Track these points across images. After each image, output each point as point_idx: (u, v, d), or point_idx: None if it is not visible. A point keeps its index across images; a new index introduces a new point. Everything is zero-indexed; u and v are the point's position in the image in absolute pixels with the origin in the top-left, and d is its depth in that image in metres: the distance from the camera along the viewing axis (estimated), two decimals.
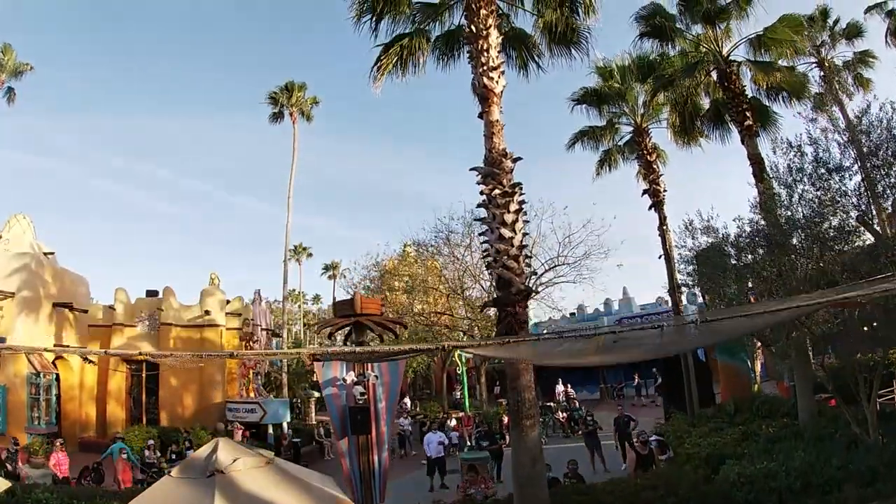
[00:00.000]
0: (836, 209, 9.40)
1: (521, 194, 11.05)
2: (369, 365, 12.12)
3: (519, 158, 11.06)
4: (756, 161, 14.81)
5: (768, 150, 16.64)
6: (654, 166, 18.81)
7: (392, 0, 13.03)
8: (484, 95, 11.64)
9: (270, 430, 19.95)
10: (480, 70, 11.81)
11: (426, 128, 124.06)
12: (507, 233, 10.22)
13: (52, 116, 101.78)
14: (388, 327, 11.15)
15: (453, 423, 21.55)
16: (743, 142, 15.13)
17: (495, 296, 10.33)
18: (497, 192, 10.46)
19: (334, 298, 54.03)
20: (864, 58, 22.90)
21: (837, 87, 20.70)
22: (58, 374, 20.20)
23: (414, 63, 13.41)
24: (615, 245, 28.81)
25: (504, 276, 10.06)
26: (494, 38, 12.27)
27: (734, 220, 12.95)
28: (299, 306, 55.46)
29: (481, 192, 11.19)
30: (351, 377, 10.50)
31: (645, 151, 18.91)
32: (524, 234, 10.52)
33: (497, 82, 11.69)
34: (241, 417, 20.19)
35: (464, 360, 24.89)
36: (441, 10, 13.89)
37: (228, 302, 23.53)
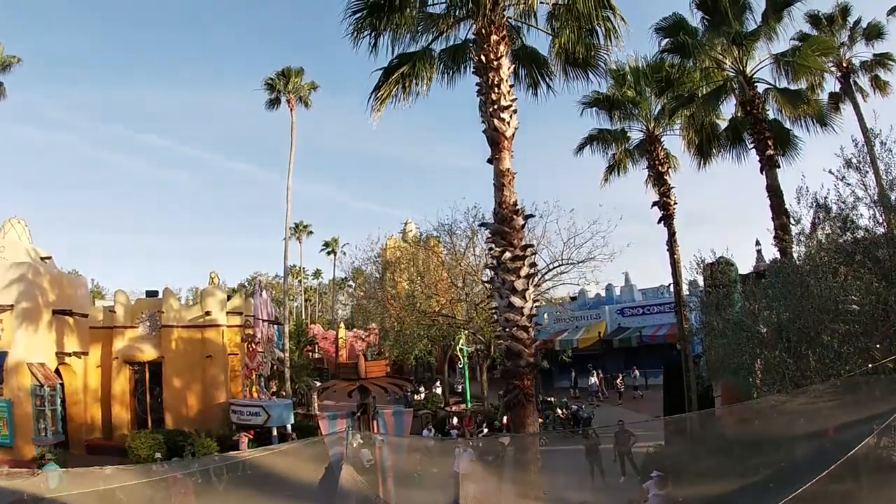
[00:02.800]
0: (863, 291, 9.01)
1: (532, 254, 10.63)
2: (375, 423, 12.10)
3: (531, 216, 10.58)
4: (775, 193, 14.26)
5: (789, 178, 16.19)
6: (666, 177, 18.13)
7: (392, 18, 12.07)
8: (494, 139, 10.98)
9: (274, 433, 20.23)
10: (490, 109, 11.10)
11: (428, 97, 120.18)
12: (517, 301, 9.87)
13: (47, 87, 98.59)
14: (392, 386, 11.03)
15: (455, 420, 21.95)
16: (762, 171, 14.49)
17: (504, 366, 10.10)
18: (508, 255, 10.03)
19: (334, 275, 54.66)
20: (883, 60, 21.92)
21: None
22: (62, 381, 20.23)
23: (417, 89, 12.57)
24: (620, 246, 28.74)
25: (513, 348, 9.80)
26: (506, 69, 11.48)
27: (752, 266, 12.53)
28: (300, 282, 55.66)
29: (490, 251, 10.75)
30: (357, 440, 10.44)
31: (656, 161, 18.17)
32: (535, 302, 10.18)
33: (509, 124, 11.02)
34: (245, 420, 20.39)
35: (465, 352, 25.02)
36: (446, 28, 12.92)
37: (229, 298, 23.35)
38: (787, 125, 15.32)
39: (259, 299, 24.32)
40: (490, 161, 10.96)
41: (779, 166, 14.44)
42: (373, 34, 12.16)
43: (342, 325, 38.50)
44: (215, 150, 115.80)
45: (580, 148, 19.39)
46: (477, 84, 11.63)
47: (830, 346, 8.64)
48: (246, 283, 48.46)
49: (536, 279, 22.60)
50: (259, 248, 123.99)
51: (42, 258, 21.21)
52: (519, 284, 9.90)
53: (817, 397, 9.26)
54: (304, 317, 48.39)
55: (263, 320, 24.20)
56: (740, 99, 14.49)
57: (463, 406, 25.03)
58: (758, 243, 32.88)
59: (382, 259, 29.63)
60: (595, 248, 22.30)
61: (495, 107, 10.93)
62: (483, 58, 11.40)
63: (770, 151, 14.33)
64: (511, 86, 11.31)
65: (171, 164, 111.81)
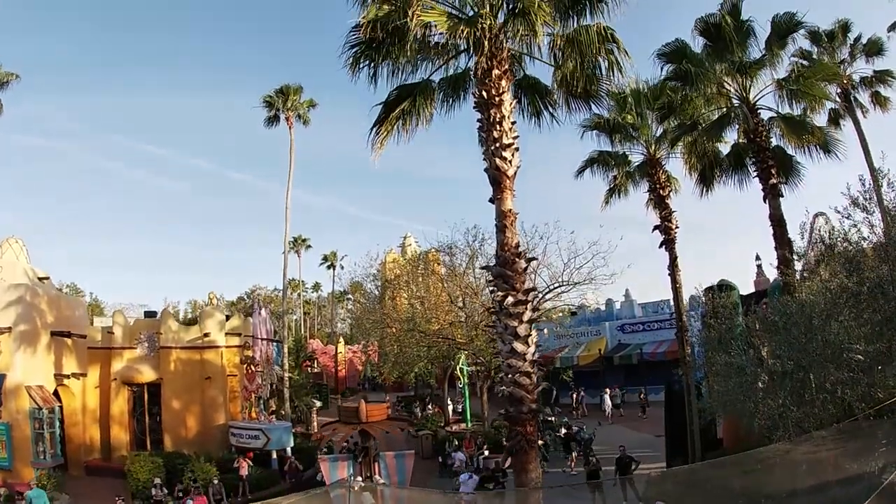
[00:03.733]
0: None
1: (535, 297, 10.53)
2: (376, 466, 12.00)
3: (533, 258, 10.49)
4: (778, 223, 14.19)
5: (791, 202, 16.11)
6: (667, 201, 18.03)
7: (391, 51, 11.89)
8: (496, 179, 10.86)
9: (274, 455, 20.12)
10: (492, 148, 10.97)
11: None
12: (519, 347, 9.76)
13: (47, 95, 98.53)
14: (395, 430, 10.94)
15: (455, 442, 21.80)
16: (765, 199, 14.42)
17: (507, 411, 9.99)
18: (510, 300, 9.91)
19: (333, 288, 54.65)
20: (883, 76, 21.98)
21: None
22: (60, 404, 20.10)
23: (417, 123, 12.42)
24: (621, 266, 28.76)
25: (516, 394, 9.69)
26: (508, 105, 11.34)
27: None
28: (299, 295, 55.56)
29: (492, 293, 10.64)
30: (358, 483, 10.34)
31: (657, 185, 18.07)
32: (537, 347, 10.04)
33: (511, 163, 10.89)
34: (244, 443, 20.30)
35: (465, 371, 24.89)
36: (446, 60, 12.79)
37: (228, 318, 23.25)
38: (790, 151, 15.25)
39: (258, 318, 24.19)
40: (492, 200, 10.84)
41: (782, 195, 14.36)
42: (371, 65, 12.03)
43: (341, 340, 38.40)
44: (215, 160, 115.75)
45: (580, 171, 19.27)
46: (478, 120, 11.51)
47: (833, 393, 8.60)
48: (245, 296, 48.72)
49: (536, 301, 22.55)
50: (258, 259, 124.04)
51: (40, 278, 21.13)
52: (521, 330, 9.78)
53: (820, 444, 9.19)
54: (303, 330, 48.17)
55: (262, 339, 24.10)
56: (744, 127, 14.42)
57: (463, 425, 24.92)
58: (758, 258, 32.51)
59: (382, 275, 29.50)
60: (595, 268, 22.17)
61: (497, 145, 10.80)
62: (484, 94, 11.27)
63: (773, 181, 14.27)
64: (513, 122, 11.15)
65: (170, 173, 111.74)
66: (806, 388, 8.95)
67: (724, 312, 13.41)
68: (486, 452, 21.26)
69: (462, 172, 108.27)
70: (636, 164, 19.19)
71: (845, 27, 23.31)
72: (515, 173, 10.91)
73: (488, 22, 9.96)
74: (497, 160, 10.72)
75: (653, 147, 18.26)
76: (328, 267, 52.91)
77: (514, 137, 11.09)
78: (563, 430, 23.01)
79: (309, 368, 34.74)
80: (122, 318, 21.91)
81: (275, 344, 25.94)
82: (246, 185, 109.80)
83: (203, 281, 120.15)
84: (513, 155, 10.84)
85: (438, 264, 25.80)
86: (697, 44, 15.37)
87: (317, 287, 61.75)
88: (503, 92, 11.23)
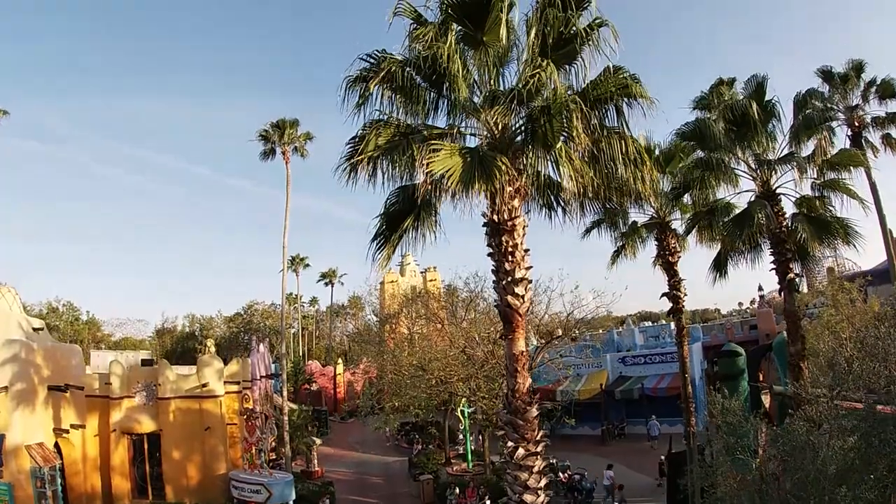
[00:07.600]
0: None
1: (545, 444, 10.22)
2: None
3: (544, 407, 10.16)
4: (793, 318, 13.89)
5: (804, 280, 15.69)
6: (675, 268, 17.66)
7: (391, 155, 11.14)
8: (507, 317, 10.37)
9: None
10: (504, 282, 10.38)
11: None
12: (529, 498, 9.53)
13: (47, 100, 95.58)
14: None
15: (457, 490, 21.87)
16: (780, 292, 14.09)
17: None
18: (521, 452, 9.63)
19: (331, 303, 54.13)
20: (895, 119, 21.44)
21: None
22: (61, 456, 19.96)
23: (424, 240, 11.76)
24: (626, 310, 28.84)
25: None
26: (521, 228, 10.71)
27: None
28: (295, 309, 55.35)
29: (502, 440, 10.33)
30: None
31: (666, 251, 17.67)
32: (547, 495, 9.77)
33: (524, 299, 10.38)
34: (245, 497, 20.30)
35: (466, 414, 24.85)
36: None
37: (226, 364, 22.99)
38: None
39: (256, 356, 23.89)
40: (502, 337, 10.43)
41: (798, 290, 13.98)
42: (371, 166, 11.36)
43: (340, 362, 38.22)
44: (214, 166, 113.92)
45: (587, 231, 18.81)
46: (487, 244, 10.95)
47: None
48: (242, 312, 48.56)
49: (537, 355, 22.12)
50: (257, 268, 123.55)
51: (34, 329, 20.73)
52: (532, 482, 9.54)
53: None
54: (301, 345, 48.08)
55: (262, 377, 23.87)
56: (766, 223, 13.93)
57: (464, 465, 25.00)
58: (760, 288, 32.23)
59: (381, 300, 29.20)
60: (597, 311, 21.93)
61: (509, 279, 10.27)
62: (496, 217, 10.65)
63: (791, 275, 13.88)
64: (526, 250, 10.59)
65: (170, 179, 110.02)
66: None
67: (733, 419, 13.18)
68: (489, 502, 21.40)
69: None
70: (644, 222, 18.73)
71: (859, 68, 22.73)
72: (528, 308, 10.47)
73: (507, 175, 9.35)
74: (509, 297, 10.20)
75: (663, 210, 17.78)
76: (326, 283, 52.85)
77: (528, 268, 10.55)
78: (563, 475, 23.00)
79: (308, 390, 34.73)
80: (120, 368, 21.59)
81: (272, 381, 25.73)
82: (246, 192, 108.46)
83: (200, 289, 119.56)
84: (525, 290, 10.32)
85: (438, 300, 25.46)
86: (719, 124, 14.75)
87: (314, 302, 61.91)
88: (516, 216, 10.59)
